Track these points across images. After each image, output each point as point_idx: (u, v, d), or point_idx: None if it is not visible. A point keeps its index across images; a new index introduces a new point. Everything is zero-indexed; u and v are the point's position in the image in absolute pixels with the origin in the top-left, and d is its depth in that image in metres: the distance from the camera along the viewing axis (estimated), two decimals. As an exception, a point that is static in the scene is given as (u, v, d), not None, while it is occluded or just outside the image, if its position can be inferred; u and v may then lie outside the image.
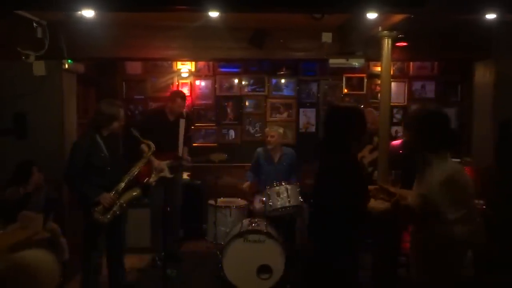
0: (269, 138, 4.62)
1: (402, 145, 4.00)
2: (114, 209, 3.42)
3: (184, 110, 4.57)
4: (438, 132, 2.18)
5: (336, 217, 2.30)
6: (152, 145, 3.78)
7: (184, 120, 4.51)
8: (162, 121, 4.46)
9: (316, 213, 2.44)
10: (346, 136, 2.34)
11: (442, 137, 2.19)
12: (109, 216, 3.40)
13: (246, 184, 4.67)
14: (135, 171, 3.57)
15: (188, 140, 4.70)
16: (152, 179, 4.35)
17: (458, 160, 4.45)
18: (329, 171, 2.35)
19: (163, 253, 4.48)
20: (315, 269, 2.39)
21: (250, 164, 4.86)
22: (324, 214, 2.34)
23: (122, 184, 3.47)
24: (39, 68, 4.15)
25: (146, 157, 3.71)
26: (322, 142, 2.50)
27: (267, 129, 4.80)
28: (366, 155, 4.45)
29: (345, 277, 2.28)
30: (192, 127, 5.59)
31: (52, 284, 1.46)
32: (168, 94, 5.00)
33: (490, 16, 3.26)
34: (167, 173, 4.36)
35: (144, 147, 3.89)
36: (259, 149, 4.77)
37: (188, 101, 5.74)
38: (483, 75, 4.64)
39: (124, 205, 3.49)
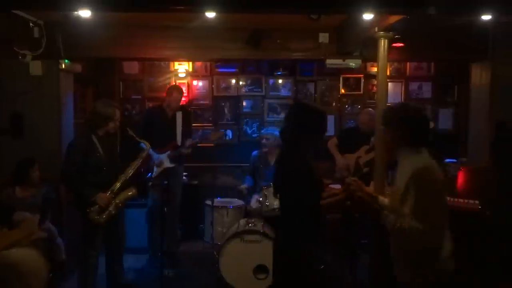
0: (264, 141, 4.63)
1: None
2: (110, 209, 3.43)
3: (182, 105, 4.64)
4: (419, 125, 2.15)
5: (290, 213, 2.30)
6: (148, 144, 3.79)
7: (181, 112, 4.59)
8: (161, 118, 4.54)
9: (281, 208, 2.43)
10: (301, 135, 2.27)
11: (423, 131, 2.16)
12: (104, 216, 3.41)
13: (243, 186, 4.68)
14: (131, 171, 3.58)
15: (189, 135, 4.73)
16: (155, 173, 4.40)
17: (454, 160, 4.50)
18: (281, 171, 2.34)
19: (160, 253, 4.49)
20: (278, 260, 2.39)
21: (247, 165, 4.86)
22: (283, 209, 2.36)
23: (118, 184, 3.49)
24: (36, 68, 4.15)
25: (141, 156, 3.72)
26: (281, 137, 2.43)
27: (262, 131, 4.81)
28: (362, 155, 4.46)
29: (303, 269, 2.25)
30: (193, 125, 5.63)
31: (40, 282, 1.46)
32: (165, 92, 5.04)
33: (486, 17, 3.28)
34: (168, 164, 4.41)
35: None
36: (255, 153, 4.77)
37: (185, 100, 5.77)
38: (479, 76, 4.65)
39: (120, 205, 3.50)
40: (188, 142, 4.60)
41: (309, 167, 2.27)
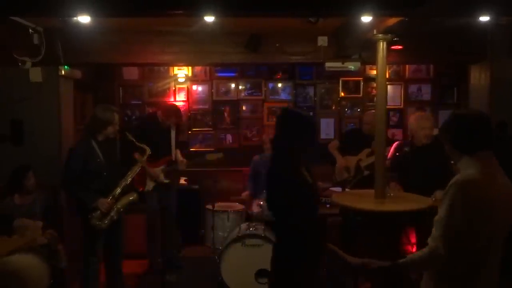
0: (268, 145, 4.62)
1: (397, 148, 4.01)
2: (112, 214, 3.42)
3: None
4: (464, 131, 1.86)
5: (282, 225, 2.19)
6: (148, 149, 3.78)
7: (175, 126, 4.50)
8: (156, 129, 4.40)
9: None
10: (290, 142, 2.18)
11: (471, 136, 1.85)
12: (106, 222, 3.40)
13: (245, 194, 4.65)
14: (131, 175, 3.57)
15: (180, 144, 4.69)
16: (147, 187, 4.35)
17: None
18: (271, 177, 2.24)
19: (159, 259, 4.47)
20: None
21: (247, 168, 4.85)
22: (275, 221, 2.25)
23: (119, 189, 3.48)
24: (35, 75, 4.15)
25: (142, 161, 3.72)
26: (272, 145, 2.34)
27: (264, 136, 4.80)
28: (363, 158, 4.46)
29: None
30: (189, 132, 5.60)
31: None
32: (164, 104, 4.97)
33: (484, 18, 3.28)
34: (162, 179, 4.35)
35: (137, 155, 3.90)
36: (256, 157, 4.76)
37: (185, 106, 5.77)
38: (478, 77, 4.66)
39: (121, 210, 3.49)
40: (179, 155, 4.50)
41: (302, 180, 2.17)
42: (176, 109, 4.61)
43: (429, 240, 1.82)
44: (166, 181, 4.36)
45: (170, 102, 5.63)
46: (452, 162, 1.98)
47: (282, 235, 2.21)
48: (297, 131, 2.21)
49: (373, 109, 4.87)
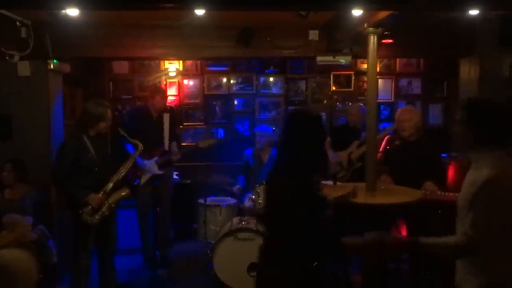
0: (258, 138, 4.63)
1: (388, 141, 4.05)
2: (103, 209, 3.41)
3: (168, 105, 4.56)
4: (491, 122, 1.84)
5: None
6: (140, 145, 3.77)
7: (168, 114, 4.49)
8: (146, 118, 4.44)
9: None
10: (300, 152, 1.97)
11: (496, 128, 1.84)
12: (97, 217, 3.39)
13: (236, 188, 4.66)
14: (123, 171, 3.55)
15: (176, 137, 4.68)
16: (142, 179, 4.34)
17: (445, 155, 4.54)
18: (276, 199, 2.06)
19: (152, 254, 4.47)
20: None
21: (239, 163, 4.85)
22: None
23: (110, 184, 3.47)
24: (23, 69, 4.09)
25: (133, 156, 3.70)
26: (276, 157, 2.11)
27: (256, 129, 4.80)
28: (354, 150, 4.49)
29: None
30: (181, 126, 5.59)
31: (29, 283, 1.46)
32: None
33: (473, 12, 3.30)
34: (156, 170, 4.35)
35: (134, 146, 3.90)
36: (247, 151, 4.76)
37: (176, 100, 5.75)
38: (468, 71, 4.70)
39: (113, 205, 3.48)
40: (174, 146, 4.51)
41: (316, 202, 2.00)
42: (157, 87, 4.63)
43: (459, 233, 1.81)
44: (161, 172, 4.36)
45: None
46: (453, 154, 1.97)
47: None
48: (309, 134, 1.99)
49: (360, 103, 4.92)
